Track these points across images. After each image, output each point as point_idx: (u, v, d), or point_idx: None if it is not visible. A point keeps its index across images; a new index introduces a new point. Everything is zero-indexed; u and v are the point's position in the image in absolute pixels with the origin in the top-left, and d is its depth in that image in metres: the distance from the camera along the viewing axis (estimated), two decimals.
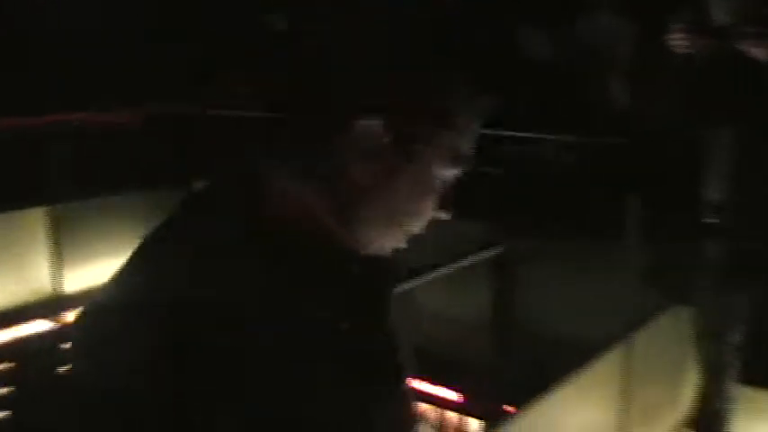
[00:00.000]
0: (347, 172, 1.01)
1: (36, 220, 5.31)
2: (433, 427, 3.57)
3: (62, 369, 2.43)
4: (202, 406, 0.89)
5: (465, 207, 1.29)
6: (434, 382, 4.57)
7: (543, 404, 2.82)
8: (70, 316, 5.07)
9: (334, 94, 1.01)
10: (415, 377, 1.20)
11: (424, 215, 1.08)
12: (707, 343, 3.43)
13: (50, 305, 5.19)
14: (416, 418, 1.18)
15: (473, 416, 4.63)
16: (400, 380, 1.13)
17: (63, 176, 5.34)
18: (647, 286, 3.41)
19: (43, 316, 5.20)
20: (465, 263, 2.88)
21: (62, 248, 5.37)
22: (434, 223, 1.09)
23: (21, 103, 6.16)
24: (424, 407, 3.85)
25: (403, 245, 1.10)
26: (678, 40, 3.15)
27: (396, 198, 1.04)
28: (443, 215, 1.09)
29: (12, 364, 3.86)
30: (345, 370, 1.00)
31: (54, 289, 5.34)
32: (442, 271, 2.67)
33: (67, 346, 1.10)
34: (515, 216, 4.08)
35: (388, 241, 1.08)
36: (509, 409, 2.76)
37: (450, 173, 1.07)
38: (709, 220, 3.20)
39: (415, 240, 1.10)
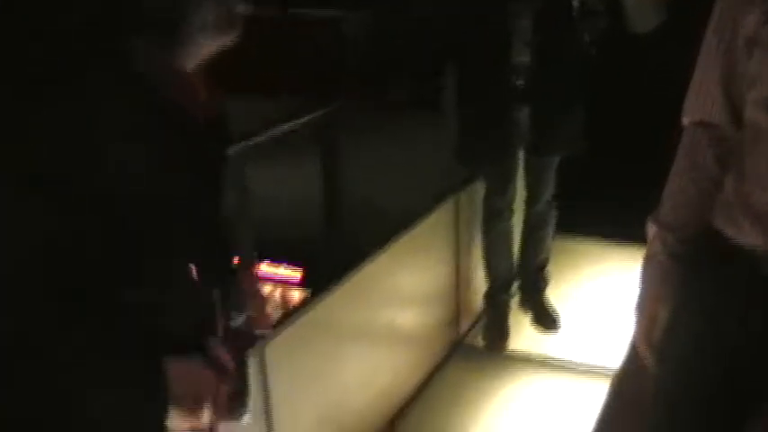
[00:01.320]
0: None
1: None
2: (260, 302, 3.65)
3: None
4: None
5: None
6: (268, 259, 4.67)
7: (368, 267, 2.96)
8: None
9: None
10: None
11: None
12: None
13: None
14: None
15: (302, 287, 4.78)
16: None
17: None
18: (459, 152, 3.54)
19: None
20: (285, 129, 2.90)
21: None
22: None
23: None
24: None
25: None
26: None
27: None
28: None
29: None
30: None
31: None
32: (260, 138, 2.69)
33: None
34: (334, 84, 4.12)
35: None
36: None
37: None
38: (516, 83, 3.34)
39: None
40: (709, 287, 1.77)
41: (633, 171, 3.55)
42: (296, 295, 4.95)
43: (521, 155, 3.57)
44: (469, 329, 3.94)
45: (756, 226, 1.65)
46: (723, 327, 1.73)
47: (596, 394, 3.31)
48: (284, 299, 5.22)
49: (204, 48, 1.30)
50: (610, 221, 4.38)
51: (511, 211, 3.66)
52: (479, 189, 3.67)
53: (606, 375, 3.42)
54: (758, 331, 1.68)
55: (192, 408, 1.25)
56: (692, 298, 1.79)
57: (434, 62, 3.77)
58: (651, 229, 1.84)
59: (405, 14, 4.32)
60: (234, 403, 1.44)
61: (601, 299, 4.07)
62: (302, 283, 5.03)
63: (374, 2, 5.06)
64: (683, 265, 1.79)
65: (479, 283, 3.84)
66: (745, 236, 1.67)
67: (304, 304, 2.78)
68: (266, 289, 4.80)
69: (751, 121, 1.64)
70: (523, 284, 3.91)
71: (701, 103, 1.74)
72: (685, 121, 1.79)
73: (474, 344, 3.85)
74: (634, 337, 1.93)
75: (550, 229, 3.79)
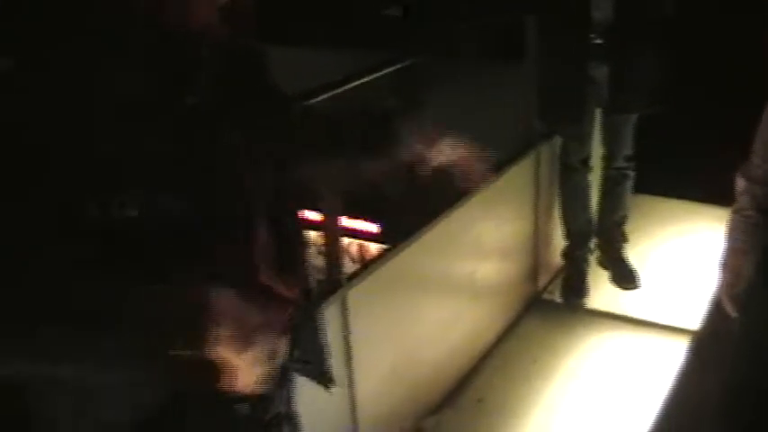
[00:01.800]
0: None
1: None
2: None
3: None
4: None
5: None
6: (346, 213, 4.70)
7: (447, 220, 2.97)
8: None
9: None
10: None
11: None
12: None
13: None
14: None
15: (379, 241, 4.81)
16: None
17: None
18: (538, 109, 3.53)
19: None
20: (366, 79, 2.90)
21: None
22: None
23: None
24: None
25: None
26: None
27: None
28: None
29: None
30: None
31: None
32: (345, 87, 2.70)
33: None
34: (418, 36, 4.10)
35: None
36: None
37: None
38: (595, 41, 3.29)
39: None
40: None
41: (716, 131, 3.48)
42: (372, 249, 5.01)
43: (598, 112, 3.53)
44: (548, 284, 3.94)
45: None
46: None
47: (675, 353, 3.30)
48: (361, 253, 5.28)
49: None
50: (690, 182, 4.32)
51: (588, 168, 3.64)
52: (559, 144, 3.65)
53: (685, 335, 3.40)
54: None
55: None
56: None
57: (516, 16, 3.73)
58: (740, 184, 1.82)
59: None
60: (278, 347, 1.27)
61: (680, 259, 4.03)
62: (380, 238, 5.07)
63: None
64: None
65: (559, 238, 3.83)
66: None
67: (383, 256, 2.81)
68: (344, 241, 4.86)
69: None
70: (602, 241, 3.88)
71: None
72: None
73: (553, 299, 3.85)
74: (718, 290, 1.92)
75: (628, 187, 3.75)
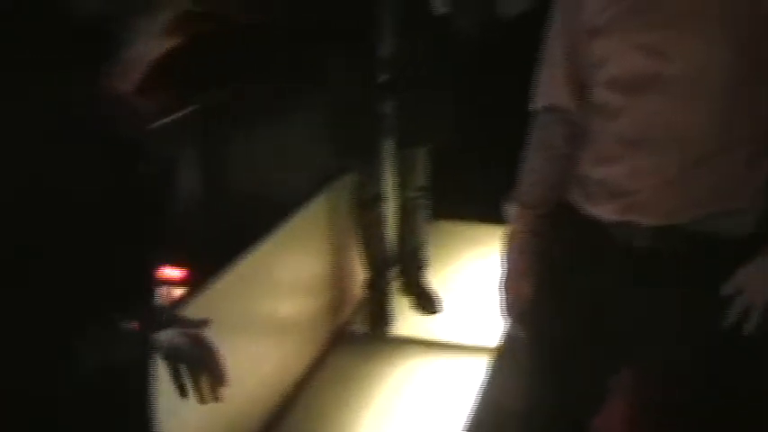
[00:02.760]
0: None
1: None
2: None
3: None
4: None
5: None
6: None
7: (247, 260, 2.97)
8: None
9: None
10: None
11: None
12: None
13: None
14: None
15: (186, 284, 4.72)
16: None
17: None
18: (331, 145, 3.59)
19: None
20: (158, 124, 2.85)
21: None
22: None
23: None
24: None
25: None
26: None
27: None
28: None
29: None
30: None
31: None
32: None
33: None
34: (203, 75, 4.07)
35: None
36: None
37: None
38: (381, 77, 3.40)
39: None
40: (567, 258, 1.87)
41: (502, 155, 3.65)
42: (179, 293, 4.88)
43: (390, 145, 3.64)
44: (352, 316, 3.99)
45: (609, 199, 1.76)
46: (581, 294, 1.84)
47: (480, 372, 3.42)
48: (167, 298, 5.14)
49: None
50: (483, 204, 4.50)
51: (383, 200, 3.74)
52: (353, 178, 3.73)
53: (490, 353, 3.53)
54: (618, 294, 1.79)
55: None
56: (553, 269, 1.89)
57: (304, 55, 3.79)
58: (511, 209, 1.93)
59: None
60: None
61: (480, 279, 4.17)
62: (186, 281, 4.96)
63: None
64: (542, 239, 1.89)
65: (359, 270, 3.89)
66: (600, 208, 1.78)
67: (182, 300, 2.76)
68: None
69: (599, 101, 1.74)
70: (402, 269, 3.98)
71: (547, 89, 1.84)
72: (536, 106, 1.88)
73: (358, 330, 3.91)
74: (503, 311, 2.02)
75: (424, 215, 3.89)
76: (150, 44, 1.22)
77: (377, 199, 3.72)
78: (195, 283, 2.94)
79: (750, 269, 1.72)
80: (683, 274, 1.73)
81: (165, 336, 1.47)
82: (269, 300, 3.23)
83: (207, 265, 3.03)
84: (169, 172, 1.40)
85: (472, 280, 4.20)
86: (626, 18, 1.65)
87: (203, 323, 1.57)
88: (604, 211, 1.77)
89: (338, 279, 3.85)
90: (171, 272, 5.00)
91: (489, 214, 4.54)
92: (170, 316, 1.55)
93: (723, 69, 1.61)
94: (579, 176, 1.83)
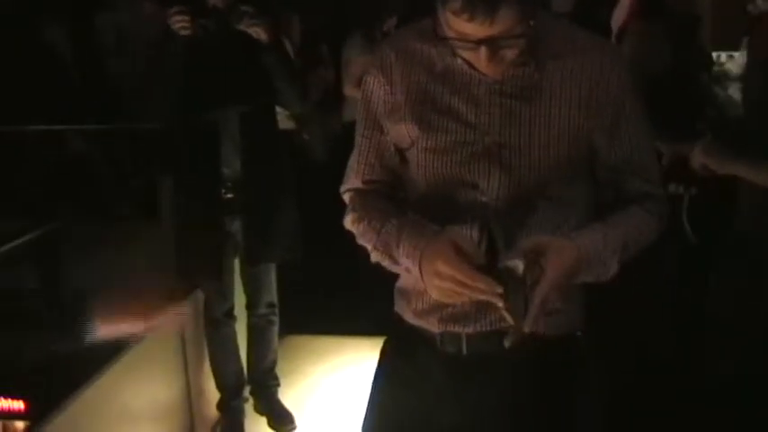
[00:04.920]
0: None
1: None
2: None
3: None
4: None
5: None
6: None
7: (92, 389, 2.91)
8: None
9: None
10: None
11: None
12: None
13: None
14: None
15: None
16: None
17: None
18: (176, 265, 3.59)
19: None
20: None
21: None
22: None
23: None
24: None
25: None
26: (177, 22, 3.19)
27: None
28: None
29: None
30: None
31: None
32: None
33: None
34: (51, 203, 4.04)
35: None
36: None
37: None
38: (226, 196, 3.47)
39: None
40: (397, 375, 1.95)
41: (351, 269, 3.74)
42: (19, 427, 4.66)
43: (238, 263, 3.67)
44: None
45: (431, 312, 1.84)
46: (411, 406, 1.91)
47: None
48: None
49: None
50: (336, 318, 4.60)
51: (233, 319, 3.75)
52: (202, 298, 3.72)
53: None
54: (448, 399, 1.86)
55: None
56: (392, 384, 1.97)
57: (149, 175, 3.82)
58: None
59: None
60: None
61: (333, 392, 4.20)
62: (26, 414, 4.75)
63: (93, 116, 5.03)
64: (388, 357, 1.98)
65: (213, 391, 3.85)
66: (423, 321, 1.87)
67: None
68: None
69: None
70: (255, 388, 3.96)
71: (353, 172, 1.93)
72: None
73: None
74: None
75: (274, 332, 3.89)
76: None
77: (228, 317, 3.72)
78: (37, 416, 2.85)
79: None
80: (512, 376, 1.81)
81: None
82: (118, 427, 3.15)
83: (49, 394, 2.96)
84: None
85: (325, 392, 4.22)
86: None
87: None
88: (428, 324, 1.85)
89: (192, 401, 3.79)
90: (12, 403, 4.81)
91: (338, 327, 4.68)
92: None
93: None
94: (401, 289, 1.93)
